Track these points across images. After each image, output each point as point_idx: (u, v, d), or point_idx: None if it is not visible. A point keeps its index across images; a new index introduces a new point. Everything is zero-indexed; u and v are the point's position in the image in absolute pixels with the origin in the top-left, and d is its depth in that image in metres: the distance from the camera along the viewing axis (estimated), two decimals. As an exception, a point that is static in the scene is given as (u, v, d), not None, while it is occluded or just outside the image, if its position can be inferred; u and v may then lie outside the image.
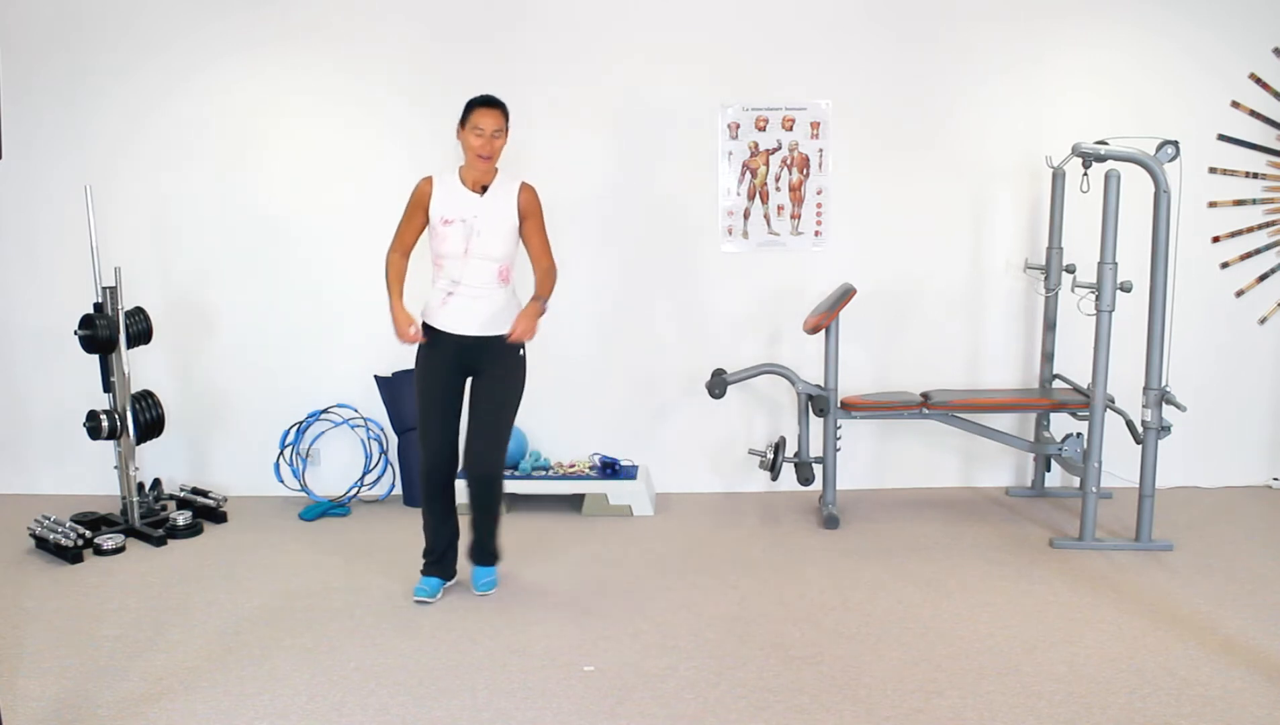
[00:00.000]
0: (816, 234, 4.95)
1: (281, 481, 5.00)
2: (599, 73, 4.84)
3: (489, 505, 3.77)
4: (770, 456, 4.57)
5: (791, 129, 4.89)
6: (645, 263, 4.98)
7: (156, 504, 4.75)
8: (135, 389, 4.62)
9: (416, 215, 3.67)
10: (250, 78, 4.85)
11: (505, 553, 4.26)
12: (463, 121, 3.57)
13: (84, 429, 4.60)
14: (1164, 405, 4.20)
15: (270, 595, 3.82)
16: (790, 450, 4.84)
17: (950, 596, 3.74)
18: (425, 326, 3.68)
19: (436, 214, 3.61)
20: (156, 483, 4.94)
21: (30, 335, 5.04)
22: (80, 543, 4.19)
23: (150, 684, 3.13)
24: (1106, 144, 4.12)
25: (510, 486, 4.79)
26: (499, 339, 3.63)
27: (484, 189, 3.63)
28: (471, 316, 3.62)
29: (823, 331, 4.52)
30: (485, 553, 3.88)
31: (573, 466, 4.96)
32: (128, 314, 4.49)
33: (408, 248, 3.73)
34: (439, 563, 3.82)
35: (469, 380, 3.73)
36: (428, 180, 3.66)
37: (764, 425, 5.10)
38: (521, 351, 3.73)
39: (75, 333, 4.44)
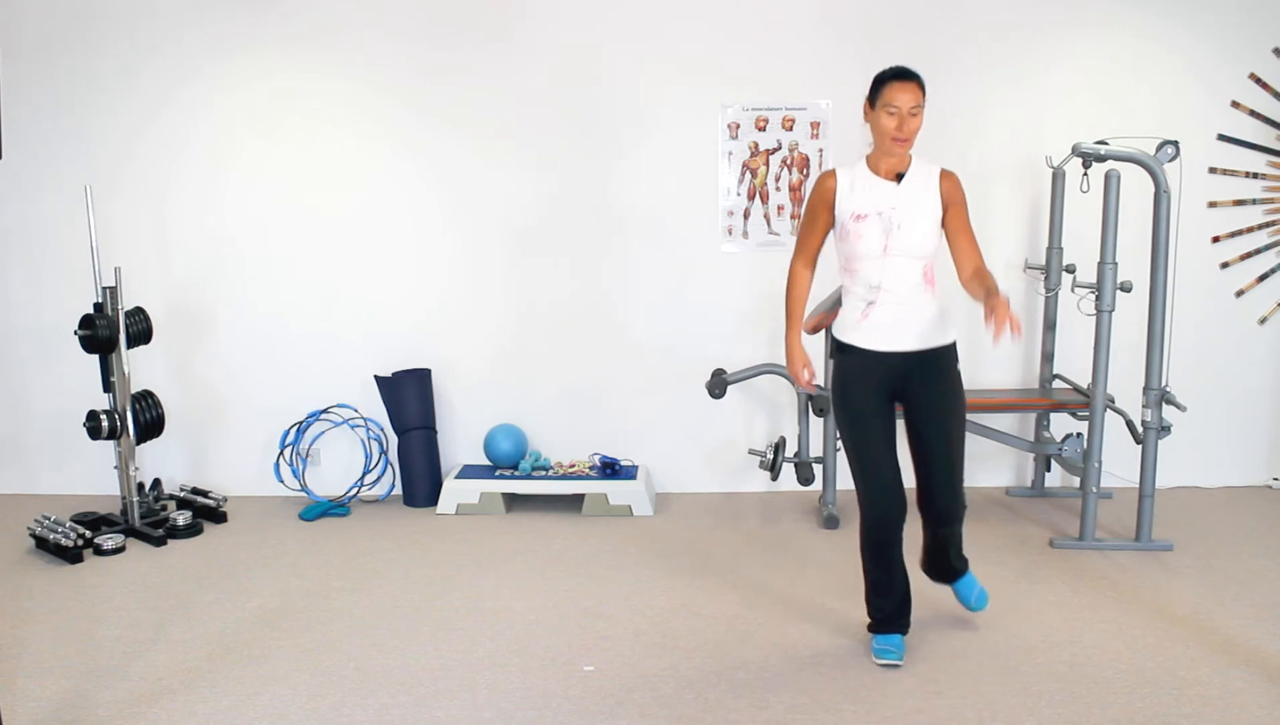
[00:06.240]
0: (816, 234, 4.94)
1: (281, 481, 5.00)
2: (599, 72, 4.84)
3: (952, 549, 3.34)
4: (770, 456, 4.56)
5: (791, 129, 4.88)
6: (645, 262, 4.98)
7: (156, 504, 4.75)
8: (135, 389, 4.62)
9: (820, 215, 3.14)
10: (251, 80, 4.85)
11: (504, 554, 4.26)
12: (871, 99, 3.09)
13: (84, 429, 4.60)
14: (1164, 405, 4.20)
15: (270, 595, 3.82)
16: (790, 450, 4.84)
17: (950, 596, 3.74)
18: (841, 345, 3.18)
19: (846, 210, 3.08)
20: (156, 483, 4.94)
21: (30, 335, 5.04)
22: (80, 543, 4.19)
23: (150, 684, 3.13)
24: (1106, 144, 4.12)
25: (510, 486, 4.80)
26: (933, 354, 3.09)
27: (899, 177, 3.09)
28: (900, 329, 3.07)
29: (823, 331, 4.51)
30: (953, 569, 3.42)
31: (573, 466, 4.96)
32: (128, 314, 4.49)
33: (812, 256, 3.21)
34: (897, 618, 3.27)
35: (897, 405, 3.17)
36: (830, 174, 3.14)
37: (764, 425, 5.10)
38: (958, 365, 3.18)
39: (75, 333, 4.44)
